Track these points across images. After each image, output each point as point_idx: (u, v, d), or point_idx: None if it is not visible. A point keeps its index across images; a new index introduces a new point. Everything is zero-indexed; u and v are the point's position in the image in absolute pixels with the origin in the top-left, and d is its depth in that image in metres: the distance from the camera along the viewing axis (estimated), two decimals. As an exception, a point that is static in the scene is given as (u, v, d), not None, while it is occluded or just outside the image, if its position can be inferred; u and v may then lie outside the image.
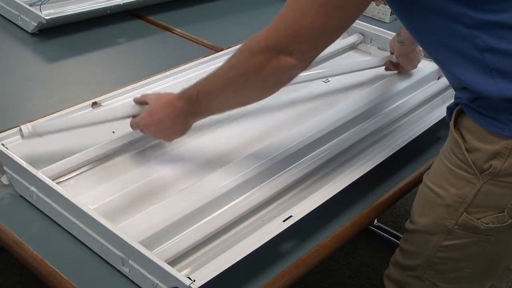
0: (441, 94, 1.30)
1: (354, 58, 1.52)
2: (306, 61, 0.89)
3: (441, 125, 1.18)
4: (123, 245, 0.80)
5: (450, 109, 0.92)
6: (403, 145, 1.10)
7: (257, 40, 0.88)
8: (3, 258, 1.77)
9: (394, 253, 1.04)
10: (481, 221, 0.89)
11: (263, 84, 0.91)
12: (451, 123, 0.90)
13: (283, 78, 0.91)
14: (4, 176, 0.98)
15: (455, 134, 0.89)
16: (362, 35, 1.53)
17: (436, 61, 0.91)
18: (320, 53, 0.89)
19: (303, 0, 0.84)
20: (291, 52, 0.86)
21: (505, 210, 0.87)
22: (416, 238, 0.98)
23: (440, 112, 1.21)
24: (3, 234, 0.90)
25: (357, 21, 1.52)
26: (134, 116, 1.03)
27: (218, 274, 0.77)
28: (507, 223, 0.88)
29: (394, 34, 1.47)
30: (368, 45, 1.54)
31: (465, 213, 0.90)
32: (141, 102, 1.04)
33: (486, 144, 0.85)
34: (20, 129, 0.99)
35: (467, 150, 0.87)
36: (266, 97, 0.95)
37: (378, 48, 1.51)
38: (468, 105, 0.86)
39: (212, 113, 1.01)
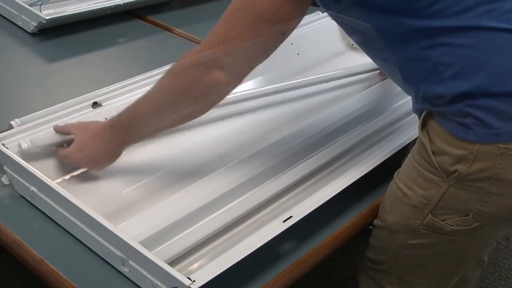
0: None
1: (354, 58, 1.52)
2: (237, 78, 0.89)
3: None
4: (123, 245, 0.80)
5: (418, 110, 0.92)
6: (403, 145, 1.10)
7: (189, 55, 0.87)
8: (3, 258, 1.77)
9: (366, 247, 1.06)
10: (445, 223, 0.90)
11: (195, 102, 0.90)
12: (419, 125, 0.90)
13: (214, 95, 0.90)
14: (5, 176, 0.98)
15: (422, 136, 0.89)
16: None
17: (401, 78, 0.92)
18: (249, 70, 0.90)
19: (235, 14, 0.86)
20: (222, 67, 0.85)
21: (470, 214, 0.88)
22: (382, 235, 1.00)
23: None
24: (3, 234, 0.90)
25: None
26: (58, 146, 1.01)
27: (218, 274, 0.77)
28: (471, 226, 0.89)
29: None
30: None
31: (430, 215, 0.91)
32: (64, 131, 1.01)
33: (452, 147, 0.85)
34: (19, 145, 0.99)
35: (433, 153, 0.87)
36: (198, 117, 0.93)
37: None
38: (434, 111, 0.87)
39: (146, 137, 1.01)
